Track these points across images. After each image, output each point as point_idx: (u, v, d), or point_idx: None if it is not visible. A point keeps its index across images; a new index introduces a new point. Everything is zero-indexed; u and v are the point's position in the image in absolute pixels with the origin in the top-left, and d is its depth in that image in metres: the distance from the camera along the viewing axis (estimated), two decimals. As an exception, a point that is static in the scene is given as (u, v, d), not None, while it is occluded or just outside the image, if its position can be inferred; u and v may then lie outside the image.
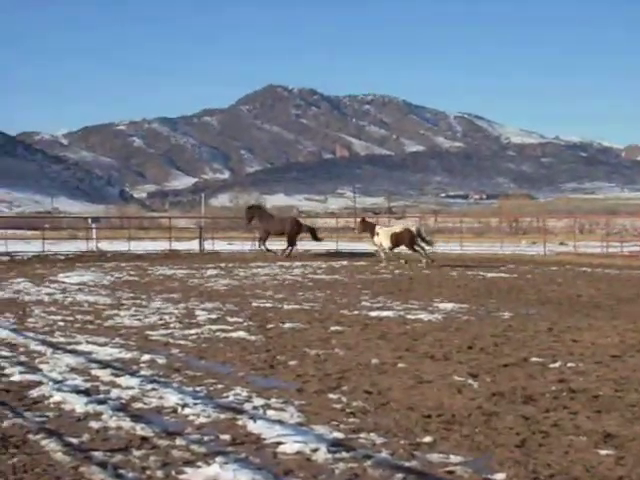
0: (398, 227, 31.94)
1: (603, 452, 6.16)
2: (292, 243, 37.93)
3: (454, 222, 74.68)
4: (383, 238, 30.39)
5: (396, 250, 30.86)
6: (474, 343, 11.46)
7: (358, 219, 36.42)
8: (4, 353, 10.70)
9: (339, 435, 6.63)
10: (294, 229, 37.96)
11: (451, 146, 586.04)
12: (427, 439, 6.48)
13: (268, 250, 37.41)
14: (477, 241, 54.35)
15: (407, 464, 5.90)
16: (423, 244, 30.25)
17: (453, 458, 6.02)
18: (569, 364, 9.77)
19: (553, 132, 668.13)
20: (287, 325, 13.49)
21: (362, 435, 6.65)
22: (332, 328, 13.09)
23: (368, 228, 31.98)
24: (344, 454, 6.11)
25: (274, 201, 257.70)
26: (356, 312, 15.41)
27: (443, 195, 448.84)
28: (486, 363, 9.89)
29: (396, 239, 30.31)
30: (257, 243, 38.65)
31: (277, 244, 38.53)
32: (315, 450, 6.19)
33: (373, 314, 15.00)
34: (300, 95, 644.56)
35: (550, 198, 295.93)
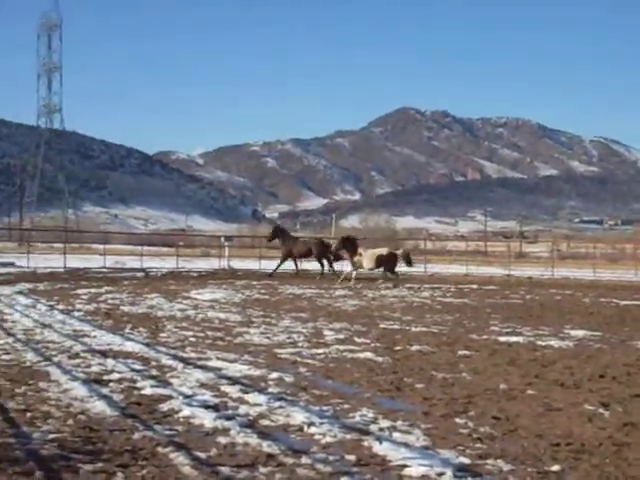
0: (384, 250, 33.30)
1: None
2: (322, 264, 38.59)
3: (587, 247, 73.24)
4: (367, 259, 31.79)
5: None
6: (606, 372, 11.18)
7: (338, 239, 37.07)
8: (137, 367, 10.93)
9: (465, 460, 6.55)
10: (320, 250, 38.52)
11: (586, 170, 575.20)
12: (555, 468, 6.33)
13: (296, 272, 38.62)
14: (611, 268, 53.15)
15: (534, 493, 5.78)
16: (405, 265, 32.41)
17: (582, 488, 5.88)
18: None
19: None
20: (415, 347, 13.42)
21: (489, 461, 6.55)
22: (460, 352, 12.96)
23: (349, 247, 32.95)
24: (470, 480, 6.04)
25: (404, 223, 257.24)
26: (485, 337, 15.22)
27: (577, 220, 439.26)
28: (618, 392, 9.62)
29: (380, 261, 32.11)
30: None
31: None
32: (441, 474, 6.12)
33: (502, 339, 14.79)
34: (432, 117, 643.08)
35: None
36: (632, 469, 6.37)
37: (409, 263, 35.78)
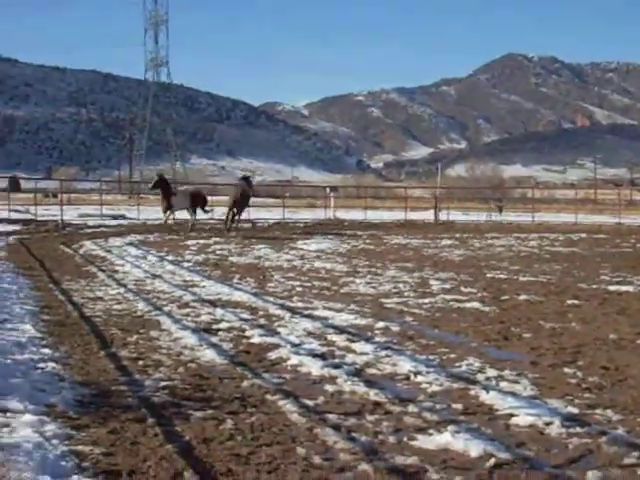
0: (191, 188, 31.58)
1: None
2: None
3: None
4: (179, 198, 30.68)
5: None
6: None
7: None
8: (245, 316, 11.09)
9: (573, 410, 6.49)
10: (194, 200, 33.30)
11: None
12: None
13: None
14: None
15: (644, 443, 5.71)
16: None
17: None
18: None
19: None
20: (522, 297, 13.29)
21: (597, 411, 6.47)
22: (569, 301, 12.80)
23: (164, 188, 31.59)
24: (578, 429, 5.98)
25: (511, 172, 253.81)
26: (594, 286, 14.98)
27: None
28: None
29: (193, 200, 30.80)
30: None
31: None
32: (548, 424, 6.08)
33: (612, 288, 14.54)
34: (540, 63, 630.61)
35: None
36: None
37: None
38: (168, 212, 31.07)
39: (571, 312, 11.71)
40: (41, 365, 7.63)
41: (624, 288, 14.53)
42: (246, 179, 32.53)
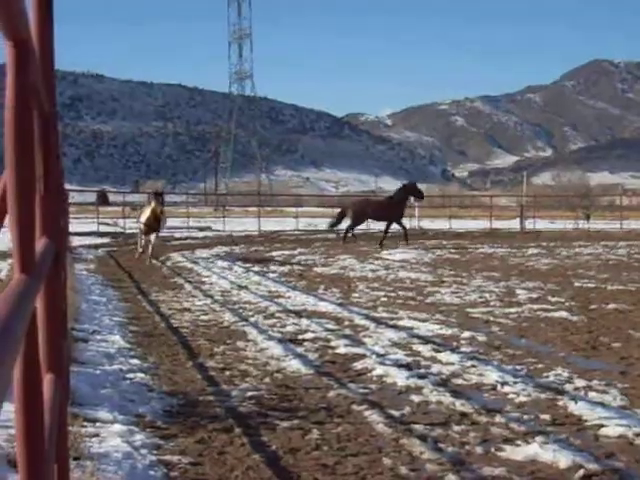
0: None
1: None
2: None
3: None
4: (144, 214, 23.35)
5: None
6: None
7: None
8: (330, 326, 11.13)
9: (665, 421, 6.38)
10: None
11: None
12: None
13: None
14: None
15: None
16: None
17: None
18: None
19: None
20: (611, 306, 13.09)
21: (689, 422, 6.35)
22: (659, 310, 12.57)
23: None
24: (669, 441, 5.87)
25: (598, 179, 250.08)
26: (686, 294, 14.68)
27: None
28: None
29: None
30: None
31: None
32: (638, 434, 5.98)
33: None
34: (627, 69, 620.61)
35: None
36: None
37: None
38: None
39: (662, 321, 11.50)
40: (130, 376, 7.76)
41: None
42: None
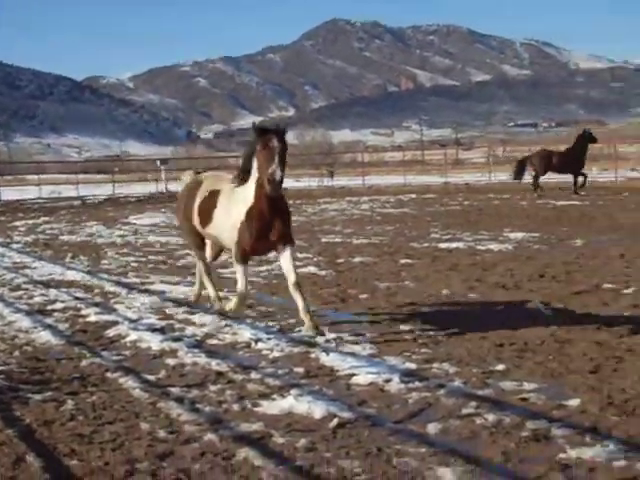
0: None
1: (679, 376, 6.09)
2: None
3: (523, 152, 73.65)
4: None
5: None
6: (546, 271, 11.37)
7: None
8: (80, 295, 10.90)
9: (411, 365, 6.66)
10: None
11: (518, 74, 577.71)
12: (500, 367, 6.46)
13: None
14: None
15: (480, 392, 5.90)
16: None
17: (526, 385, 6.00)
18: (643, 289, 9.66)
19: (622, 56, 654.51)
20: (357, 259, 13.51)
21: (435, 365, 6.66)
22: (402, 261, 13.09)
23: None
24: (417, 384, 6.14)
25: (340, 137, 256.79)
26: (425, 244, 15.35)
27: (511, 124, 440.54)
28: (558, 291, 9.81)
29: None
30: None
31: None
32: (388, 381, 6.22)
33: (443, 246, 14.94)
34: (363, 28, 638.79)
35: (621, 123, 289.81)
36: (574, 364, 6.53)
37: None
38: None
39: (404, 271, 11.99)
40: None
41: (454, 245, 14.95)
42: None
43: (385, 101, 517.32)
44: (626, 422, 5.19)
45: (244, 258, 8.26)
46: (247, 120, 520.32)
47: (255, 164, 7.89)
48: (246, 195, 8.08)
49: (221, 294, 9.35)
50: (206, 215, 8.75)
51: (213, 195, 8.73)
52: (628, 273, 10.96)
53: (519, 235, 16.29)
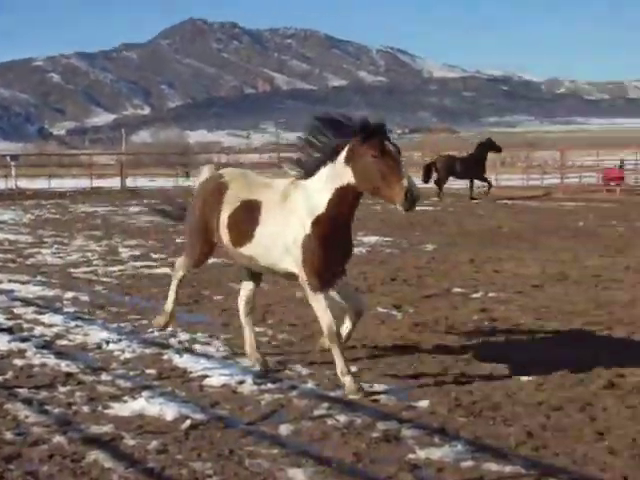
0: None
1: (524, 379, 6.29)
2: None
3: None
4: None
5: None
6: (397, 275, 11.59)
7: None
8: None
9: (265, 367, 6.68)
10: None
11: (374, 80, 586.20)
12: (353, 369, 6.53)
13: None
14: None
15: (332, 394, 5.98)
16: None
17: (377, 387, 6.11)
18: (490, 294, 9.97)
19: (474, 66, 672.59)
20: (211, 261, 13.44)
21: (288, 366, 6.71)
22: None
23: None
24: (270, 385, 6.18)
25: (196, 137, 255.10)
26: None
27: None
28: (409, 294, 10.01)
29: None
30: None
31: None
32: (241, 382, 6.25)
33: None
34: (221, 29, 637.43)
35: (472, 132, 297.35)
36: (424, 366, 6.67)
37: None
38: None
39: (259, 273, 11.98)
40: None
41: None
42: None
43: (242, 103, 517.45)
44: (473, 423, 5.35)
45: (322, 282, 6.28)
46: (101, 117, 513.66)
47: (349, 167, 6.47)
48: (312, 202, 6.52)
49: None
50: (242, 232, 6.79)
51: (250, 208, 6.80)
52: (477, 278, 11.28)
53: (372, 239, 16.54)
